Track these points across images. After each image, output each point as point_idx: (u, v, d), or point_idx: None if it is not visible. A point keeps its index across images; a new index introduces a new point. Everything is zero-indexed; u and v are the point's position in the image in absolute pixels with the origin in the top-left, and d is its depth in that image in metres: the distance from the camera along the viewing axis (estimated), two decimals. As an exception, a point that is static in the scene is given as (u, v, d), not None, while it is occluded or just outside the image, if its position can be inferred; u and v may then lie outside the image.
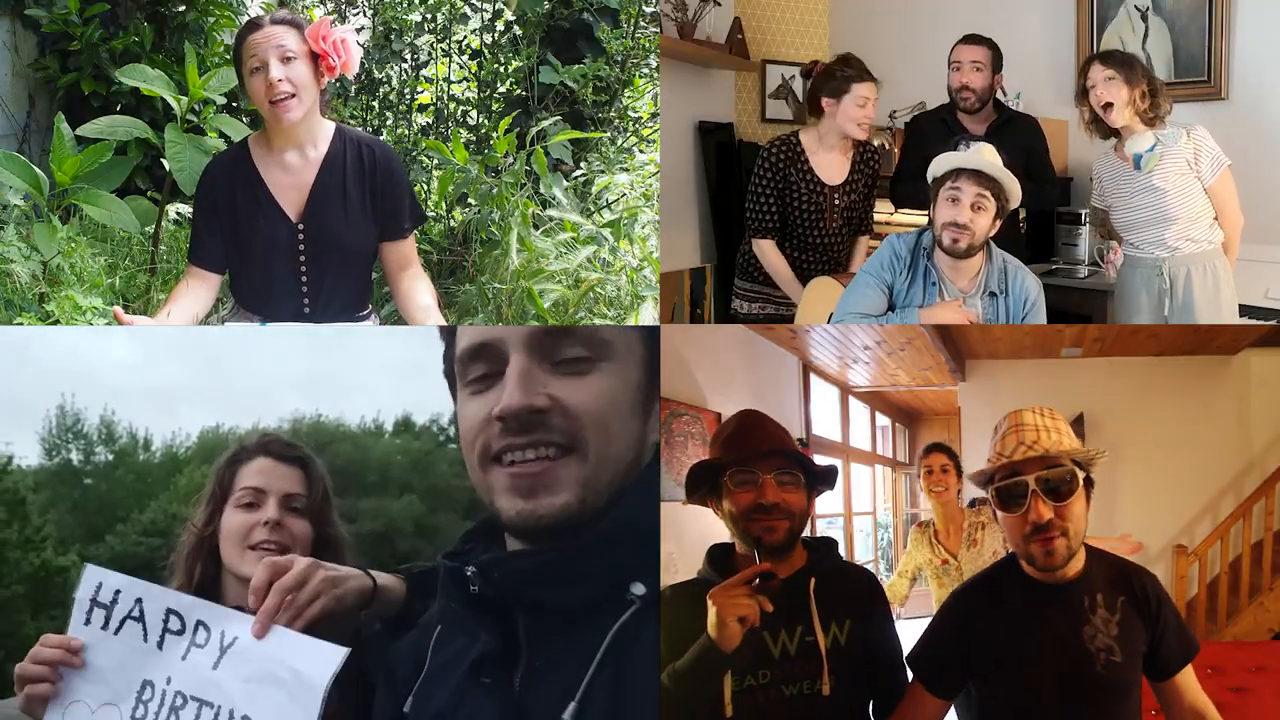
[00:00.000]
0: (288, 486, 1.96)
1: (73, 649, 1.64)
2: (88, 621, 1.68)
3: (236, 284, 2.71)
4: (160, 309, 2.60)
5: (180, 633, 1.65)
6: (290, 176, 2.58)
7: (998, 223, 2.61)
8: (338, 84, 4.08)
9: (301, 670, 1.56)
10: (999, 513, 1.71)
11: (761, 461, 1.73)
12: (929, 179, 2.68)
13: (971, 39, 3.46)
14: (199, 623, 1.65)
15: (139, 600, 1.67)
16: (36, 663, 1.65)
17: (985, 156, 2.61)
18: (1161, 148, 2.87)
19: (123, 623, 1.66)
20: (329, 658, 1.56)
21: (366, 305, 2.77)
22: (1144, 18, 3.83)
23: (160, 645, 1.65)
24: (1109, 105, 2.87)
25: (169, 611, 1.66)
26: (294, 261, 2.60)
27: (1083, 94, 2.95)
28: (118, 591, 1.68)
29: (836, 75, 3.27)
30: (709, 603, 1.60)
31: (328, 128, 2.61)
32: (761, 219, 3.36)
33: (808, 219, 3.34)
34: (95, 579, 1.69)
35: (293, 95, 2.46)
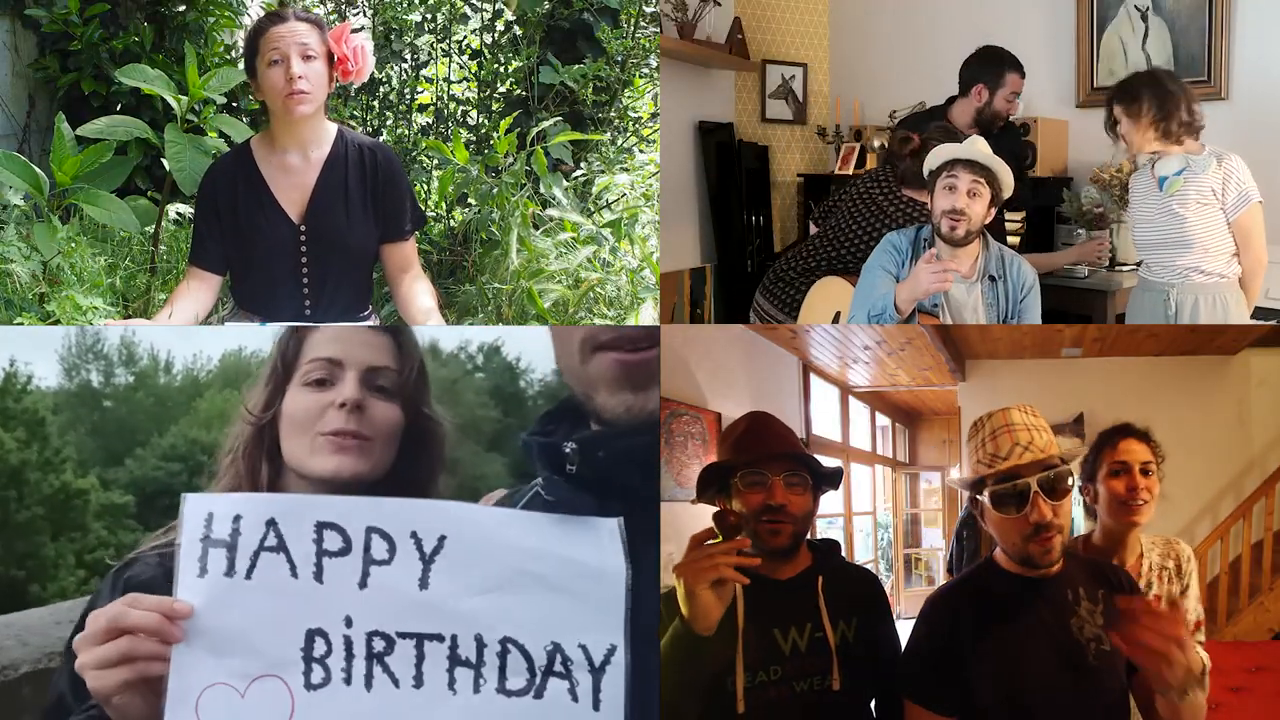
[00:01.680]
0: (371, 358, 1.51)
1: (176, 614, 1.18)
2: (203, 571, 1.19)
3: (237, 285, 2.71)
4: (161, 310, 2.60)
5: (345, 551, 1.19)
6: (292, 178, 2.58)
7: (992, 210, 2.67)
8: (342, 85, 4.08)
9: (572, 556, 1.19)
10: (991, 514, 1.69)
11: (771, 463, 1.73)
12: (925, 173, 2.73)
13: (1022, 70, 3.49)
14: (371, 530, 1.20)
15: (271, 522, 1.20)
16: (125, 635, 1.17)
17: (978, 147, 2.68)
18: (1189, 173, 2.82)
19: (255, 560, 1.19)
20: (600, 532, 1.20)
21: (367, 306, 2.77)
22: (1144, 18, 3.83)
23: (319, 576, 1.19)
24: (1130, 140, 2.89)
25: (320, 527, 1.20)
26: (295, 262, 2.60)
27: (1112, 124, 2.95)
28: (238, 518, 1.20)
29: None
30: (675, 577, 1.49)
31: (330, 129, 2.62)
32: None
33: None
34: (202, 510, 1.21)
35: (309, 92, 2.48)
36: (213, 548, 1.20)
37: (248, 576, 1.19)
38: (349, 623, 1.18)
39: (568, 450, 1.26)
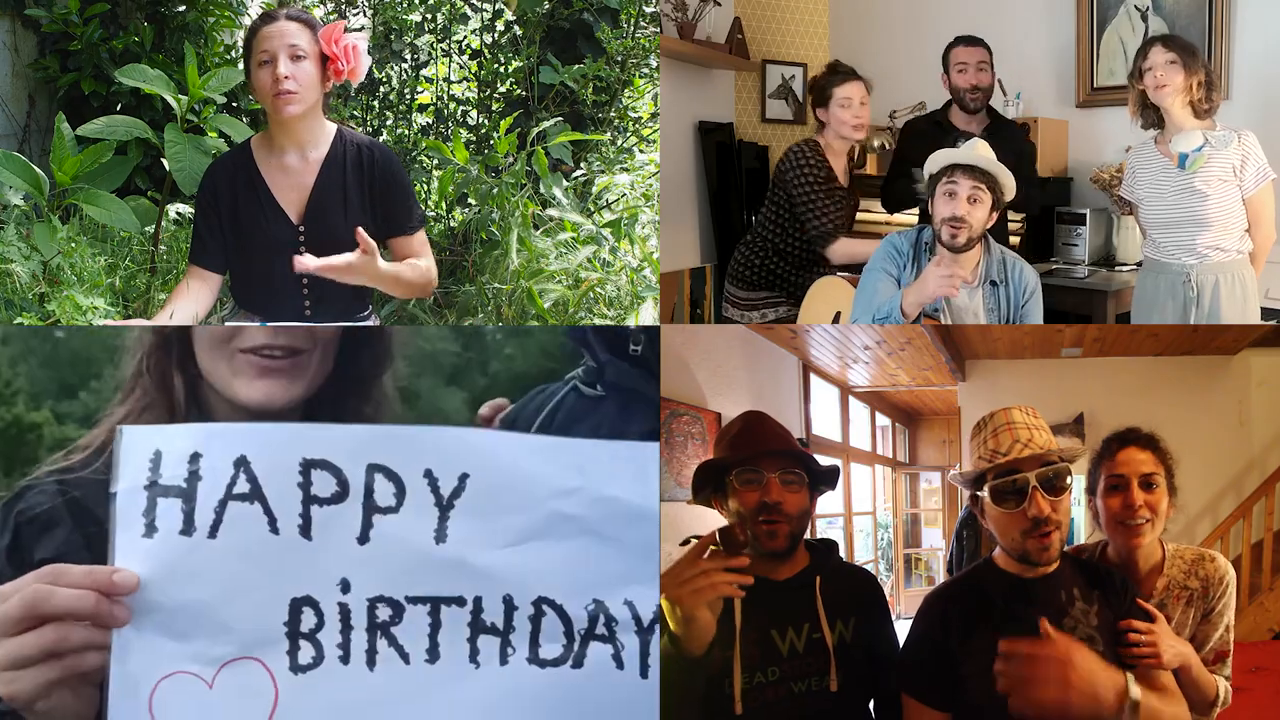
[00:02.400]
0: None
1: (117, 589, 0.92)
2: (151, 529, 0.94)
3: (237, 285, 2.70)
4: (162, 309, 2.60)
5: (340, 497, 0.97)
6: (291, 178, 2.58)
7: (994, 215, 2.65)
8: (339, 84, 4.08)
9: (612, 493, 1.01)
10: (991, 509, 1.68)
11: (767, 461, 1.73)
12: (925, 176, 2.71)
13: (968, 40, 3.48)
14: (375, 469, 0.97)
15: (242, 463, 0.95)
16: (48, 623, 0.90)
17: (979, 151, 2.65)
18: (1210, 149, 2.75)
19: (221, 512, 0.95)
20: (641, 459, 1.02)
21: (367, 306, 2.77)
22: (1144, 18, 3.83)
23: (307, 531, 0.96)
24: (1163, 88, 2.76)
25: (308, 466, 0.96)
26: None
27: (1137, 75, 2.83)
28: (196, 457, 0.94)
29: (820, 83, 3.31)
30: (666, 600, 1.42)
31: (329, 129, 2.61)
32: (833, 219, 3.32)
33: (839, 222, 3.37)
34: (146, 446, 0.94)
35: (296, 92, 2.47)
36: (163, 497, 0.94)
37: (212, 535, 0.94)
38: (346, 588, 0.97)
39: (633, 327, 1.16)
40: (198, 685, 0.94)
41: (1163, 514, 1.90)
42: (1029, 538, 1.66)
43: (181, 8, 4.17)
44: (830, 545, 1.84)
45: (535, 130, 3.49)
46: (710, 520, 1.83)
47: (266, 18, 2.52)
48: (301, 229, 2.58)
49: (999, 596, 1.69)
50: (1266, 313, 3.37)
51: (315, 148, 2.58)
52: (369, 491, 0.97)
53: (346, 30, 2.55)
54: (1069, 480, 1.67)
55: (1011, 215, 3.65)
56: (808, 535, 1.83)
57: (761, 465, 1.72)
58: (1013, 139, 3.50)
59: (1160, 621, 1.70)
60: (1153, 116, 2.87)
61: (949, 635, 1.69)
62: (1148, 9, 3.81)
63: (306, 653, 0.96)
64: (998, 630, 1.66)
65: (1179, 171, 2.79)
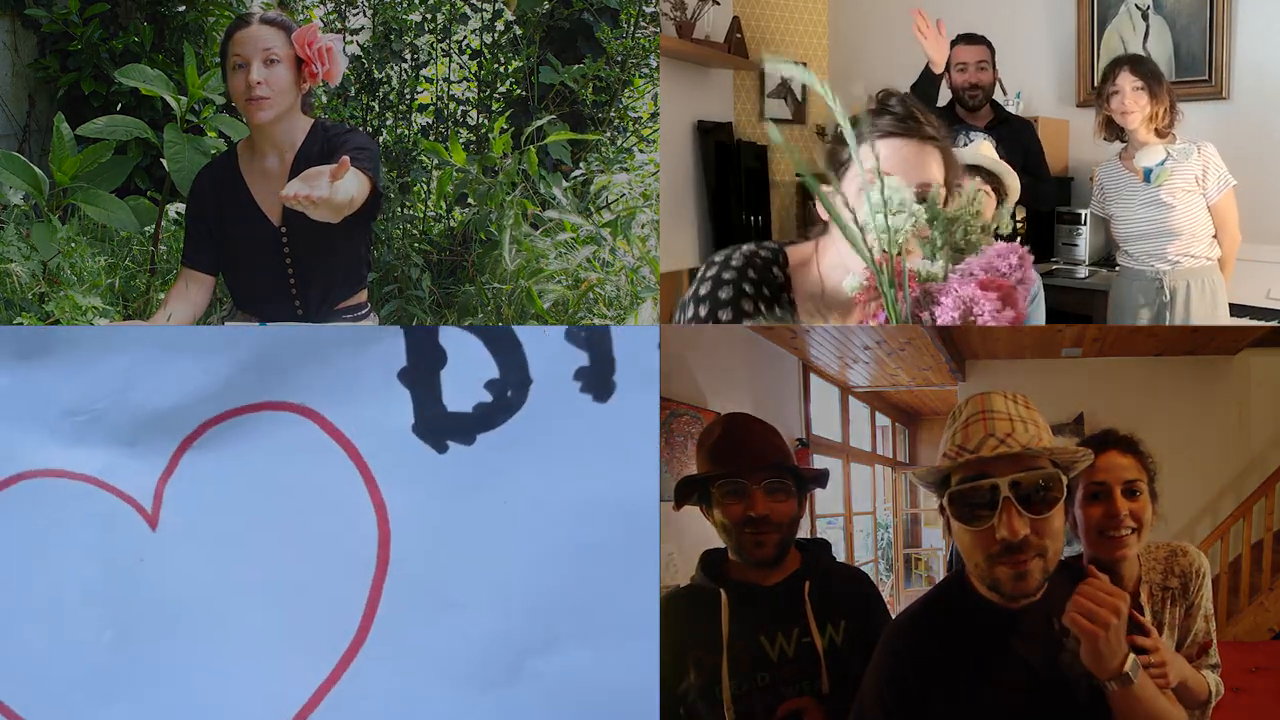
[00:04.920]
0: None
1: None
2: None
3: (230, 285, 2.71)
4: (159, 311, 2.60)
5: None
6: (270, 181, 2.57)
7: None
8: (339, 85, 4.08)
9: None
10: (954, 525, 1.38)
11: (750, 473, 1.70)
12: None
13: (969, 38, 3.49)
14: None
15: None
16: None
17: (983, 151, 2.67)
18: (1172, 163, 2.87)
19: None
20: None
21: (365, 305, 2.77)
22: (1144, 17, 3.83)
23: None
24: (1129, 114, 2.87)
25: None
26: (280, 264, 2.59)
27: (1104, 99, 2.93)
28: None
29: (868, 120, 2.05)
30: None
31: (306, 127, 2.59)
32: None
33: None
34: None
35: (268, 98, 2.46)
36: None
37: None
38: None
39: None
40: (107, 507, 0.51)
41: (1147, 523, 1.73)
42: (998, 563, 1.34)
43: (181, 8, 4.17)
44: (822, 545, 1.82)
45: (531, 129, 3.50)
46: (704, 518, 1.82)
47: (241, 21, 2.51)
48: (283, 230, 2.57)
49: (976, 629, 1.39)
50: (1267, 313, 3.37)
51: (293, 150, 2.57)
52: None
53: (337, 31, 2.54)
54: (1059, 491, 1.37)
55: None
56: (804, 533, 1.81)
57: (745, 477, 1.70)
58: (1020, 133, 3.51)
59: (1154, 634, 1.52)
60: (1116, 131, 2.99)
61: (918, 676, 1.40)
62: (1148, 8, 3.81)
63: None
64: (976, 671, 1.39)
65: (1145, 186, 2.93)
